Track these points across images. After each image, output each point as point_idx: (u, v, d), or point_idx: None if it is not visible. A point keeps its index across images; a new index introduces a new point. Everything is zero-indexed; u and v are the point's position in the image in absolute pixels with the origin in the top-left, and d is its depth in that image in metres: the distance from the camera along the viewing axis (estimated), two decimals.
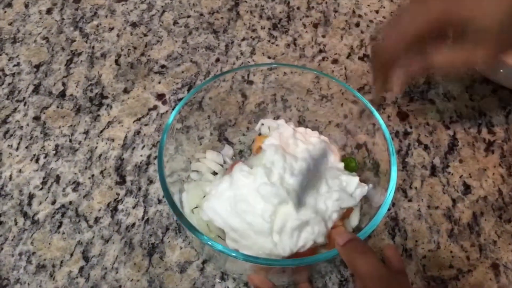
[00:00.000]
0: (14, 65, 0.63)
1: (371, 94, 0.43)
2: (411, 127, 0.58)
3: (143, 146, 0.57)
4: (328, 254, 0.40)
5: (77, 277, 0.48)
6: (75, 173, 0.54)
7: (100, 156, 0.56)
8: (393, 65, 0.40)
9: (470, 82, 0.62)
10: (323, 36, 0.67)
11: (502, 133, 0.58)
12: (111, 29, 0.67)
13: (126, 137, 0.57)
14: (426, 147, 0.57)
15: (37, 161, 0.55)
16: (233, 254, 0.40)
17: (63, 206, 0.52)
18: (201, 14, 0.69)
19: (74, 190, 0.53)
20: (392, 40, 0.39)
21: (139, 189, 0.53)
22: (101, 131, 0.58)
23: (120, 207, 0.52)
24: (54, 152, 0.56)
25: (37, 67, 0.63)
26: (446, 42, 0.38)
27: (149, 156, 0.56)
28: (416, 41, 0.38)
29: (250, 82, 0.54)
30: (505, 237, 0.51)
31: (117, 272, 0.48)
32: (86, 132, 0.58)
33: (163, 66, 0.64)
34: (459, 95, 0.61)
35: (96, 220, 0.51)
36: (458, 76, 0.61)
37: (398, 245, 0.50)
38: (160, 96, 0.61)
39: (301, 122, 0.56)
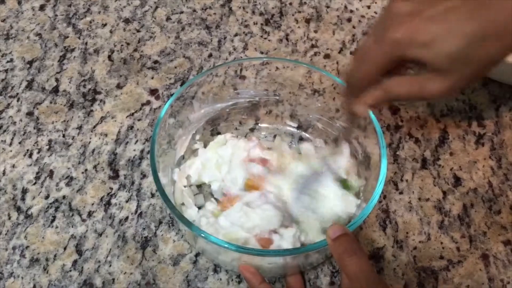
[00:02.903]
0: (7, 61, 0.64)
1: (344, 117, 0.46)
2: (402, 121, 0.59)
3: (136, 141, 0.57)
4: (319, 244, 0.40)
5: (70, 271, 0.48)
6: (69, 168, 0.55)
7: (93, 151, 0.56)
8: (360, 93, 0.41)
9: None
10: (315, 31, 0.67)
11: (492, 126, 0.59)
12: (104, 25, 0.68)
13: (119, 132, 0.58)
14: (417, 140, 0.57)
15: (30, 156, 0.56)
16: (225, 246, 0.40)
17: (56, 200, 0.52)
18: (194, 10, 0.69)
19: (68, 184, 0.54)
20: (359, 74, 0.40)
21: (132, 183, 0.54)
22: (94, 126, 0.58)
23: (113, 201, 0.52)
24: (47, 147, 0.56)
25: (30, 63, 0.63)
26: (406, 72, 0.40)
27: (142, 151, 0.56)
28: (379, 74, 0.39)
29: (243, 77, 0.54)
30: (494, 228, 0.52)
31: (110, 265, 0.49)
32: (79, 127, 0.58)
33: (156, 62, 0.64)
34: None
35: (90, 214, 0.52)
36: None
37: (389, 237, 0.51)
38: (153, 92, 0.61)
39: (293, 116, 0.57)
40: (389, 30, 0.37)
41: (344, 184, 0.49)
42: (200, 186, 0.52)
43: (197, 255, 0.49)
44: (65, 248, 0.50)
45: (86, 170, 0.55)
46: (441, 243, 0.51)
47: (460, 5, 0.36)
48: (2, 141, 0.57)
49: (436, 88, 0.38)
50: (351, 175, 0.50)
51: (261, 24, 0.68)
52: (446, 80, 0.38)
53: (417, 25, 0.36)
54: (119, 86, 0.61)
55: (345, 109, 0.44)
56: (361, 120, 0.48)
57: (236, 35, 0.67)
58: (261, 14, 0.69)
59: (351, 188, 0.49)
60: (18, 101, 0.60)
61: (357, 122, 0.47)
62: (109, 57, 0.64)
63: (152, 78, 0.62)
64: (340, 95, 0.44)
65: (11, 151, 0.56)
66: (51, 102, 0.60)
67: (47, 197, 0.53)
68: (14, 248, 0.49)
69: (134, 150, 0.56)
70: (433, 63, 0.37)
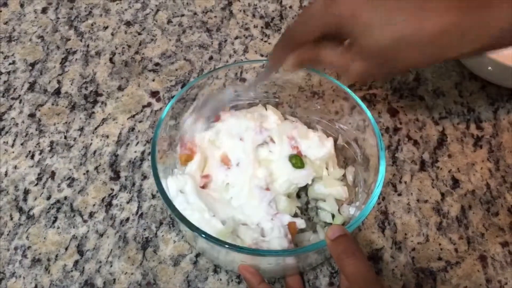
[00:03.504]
0: (10, 63, 0.64)
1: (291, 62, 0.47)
2: (401, 123, 0.59)
3: (137, 143, 0.57)
4: (318, 245, 0.41)
5: (71, 271, 0.49)
6: (70, 169, 0.55)
7: (94, 152, 0.57)
8: (293, 49, 0.43)
9: (459, 78, 0.63)
10: None
11: (490, 129, 0.59)
12: (106, 27, 0.68)
13: (120, 133, 0.58)
14: (415, 143, 0.58)
15: (32, 157, 0.56)
16: (226, 246, 0.41)
17: (58, 201, 0.53)
18: (195, 13, 0.70)
19: (69, 185, 0.54)
20: (300, 31, 0.42)
21: (133, 184, 0.54)
22: (96, 128, 0.58)
23: (114, 202, 0.53)
24: (49, 148, 0.57)
25: (32, 65, 0.64)
26: (340, 44, 0.42)
27: (143, 152, 0.57)
28: (315, 37, 0.41)
29: (243, 80, 0.55)
30: (492, 229, 0.52)
31: (111, 266, 0.49)
32: (81, 129, 0.58)
33: (157, 64, 0.64)
34: (448, 92, 0.62)
35: (91, 215, 0.52)
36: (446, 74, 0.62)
37: (388, 238, 0.51)
38: (154, 94, 0.62)
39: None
40: (339, 1, 0.39)
41: (294, 159, 0.51)
42: None
43: (197, 255, 0.50)
44: (66, 249, 0.50)
45: (87, 171, 0.55)
46: (439, 244, 0.51)
47: (407, 5, 0.38)
48: (4, 142, 0.57)
49: (356, 69, 0.41)
50: (330, 166, 0.52)
51: (262, 27, 0.69)
52: (367, 66, 0.41)
53: (364, 7, 0.39)
54: (120, 88, 0.62)
55: (272, 57, 0.46)
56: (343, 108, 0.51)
57: (236, 38, 0.67)
58: (261, 17, 0.70)
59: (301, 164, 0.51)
60: (20, 102, 0.60)
61: (274, 71, 0.48)
62: (111, 59, 0.65)
63: (153, 80, 0.63)
64: (275, 45, 0.46)
65: (13, 152, 0.56)
66: (53, 104, 0.60)
67: (48, 198, 0.53)
68: (16, 248, 0.50)
69: (135, 151, 0.57)
70: (363, 47, 0.39)
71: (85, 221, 0.52)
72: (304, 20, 0.42)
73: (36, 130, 0.58)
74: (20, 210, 0.52)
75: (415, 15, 0.38)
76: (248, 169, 0.49)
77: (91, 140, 0.57)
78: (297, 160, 0.50)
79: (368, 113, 0.48)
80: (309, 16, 0.41)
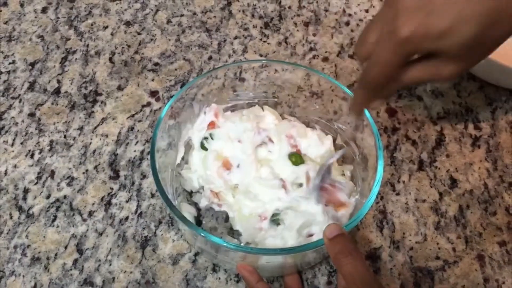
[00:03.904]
0: (10, 63, 0.64)
1: (349, 102, 0.48)
2: (399, 123, 0.60)
3: (137, 142, 0.58)
4: (316, 243, 0.41)
5: (71, 269, 0.49)
6: (70, 168, 0.55)
7: (94, 151, 0.57)
8: (376, 92, 0.42)
9: (457, 79, 0.64)
10: (314, 35, 0.68)
11: (488, 129, 0.59)
12: (106, 27, 0.68)
13: (119, 133, 0.58)
14: (414, 143, 0.58)
15: (32, 156, 0.56)
16: (224, 244, 0.41)
17: (57, 200, 0.53)
18: (194, 13, 0.70)
19: (69, 184, 0.54)
20: (378, 74, 0.40)
21: (133, 183, 0.54)
22: (95, 127, 0.59)
23: (113, 201, 0.53)
24: (48, 147, 0.57)
25: (32, 64, 0.64)
26: (412, 59, 0.40)
27: (142, 152, 0.57)
28: (393, 73, 0.40)
29: (242, 79, 0.55)
30: (490, 229, 0.52)
31: (110, 264, 0.49)
32: (81, 128, 0.59)
33: (156, 64, 0.65)
34: (446, 92, 0.62)
35: (90, 213, 0.52)
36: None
37: (386, 237, 0.51)
38: (154, 93, 0.62)
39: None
40: (399, 26, 0.36)
41: (294, 158, 0.50)
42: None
43: (196, 254, 0.50)
44: (65, 247, 0.50)
45: (87, 170, 0.55)
46: (437, 243, 0.51)
47: None
48: (4, 141, 0.57)
49: (450, 72, 0.39)
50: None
51: (261, 27, 0.69)
52: (460, 64, 0.38)
53: (428, 17, 0.36)
54: (120, 88, 0.62)
55: (355, 106, 0.45)
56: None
57: (235, 38, 0.68)
58: (260, 17, 0.70)
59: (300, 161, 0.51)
60: (20, 102, 0.61)
61: (362, 117, 0.47)
62: (110, 59, 0.65)
63: (153, 80, 0.63)
64: (355, 93, 0.45)
65: (13, 151, 0.57)
66: (52, 103, 0.61)
67: (48, 197, 0.53)
68: (15, 247, 0.50)
69: (135, 151, 0.57)
70: (449, 52, 0.37)
71: (84, 220, 0.52)
72: (373, 64, 0.40)
73: (35, 129, 0.58)
74: (20, 209, 0.53)
75: None
76: (250, 170, 0.50)
77: (91, 139, 0.58)
78: (297, 158, 0.50)
79: (367, 113, 0.48)
80: (376, 58, 0.39)
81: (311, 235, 0.46)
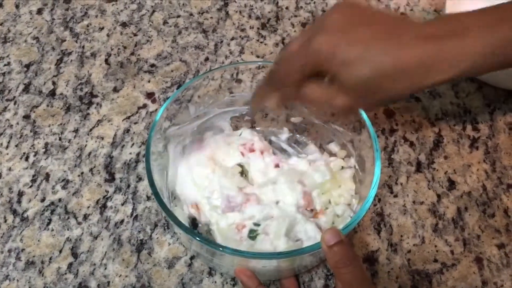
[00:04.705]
0: (5, 65, 0.64)
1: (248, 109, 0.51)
2: (397, 124, 0.59)
3: (133, 144, 0.57)
4: (313, 247, 0.40)
5: (66, 273, 0.48)
6: (65, 171, 0.55)
7: (89, 154, 0.56)
8: (276, 90, 0.44)
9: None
10: None
11: (487, 130, 0.59)
12: (101, 29, 0.68)
13: (115, 135, 0.58)
14: (411, 144, 0.58)
15: (26, 159, 0.56)
16: (220, 249, 0.40)
17: (52, 203, 0.53)
18: (191, 14, 0.70)
19: (64, 187, 0.54)
20: (281, 75, 0.43)
21: (128, 186, 0.54)
22: (91, 130, 0.58)
23: (109, 204, 0.53)
24: (43, 150, 0.56)
25: (27, 66, 0.64)
26: (321, 80, 0.42)
27: (138, 154, 0.56)
28: (298, 78, 0.42)
29: (239, 81, 0.55)
30: (488, 231, 0.52)
31: (105, 268, 0.49)
32: (76, 131, 0.58)
33: (152, 65, 0.64)
34: (444, 93, 0.62)
35: (85, 217, 0.52)
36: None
37: (384, 240, 0.51)
38: (150, 95, 0.61)
39: (288, 120, 0.57)
40: (316, 40, 0.39)
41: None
42: None
43: (192, 258, 0.50)
44: (60, 251, 0.50)
45: (82, 173, 0.55)
46: (435, 246, 0.51)
47: (383, 37, 0.39)
48: None
49: (341, 103, 0.41)
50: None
51: (258, 28, 0.69)
52: (350, 100, 0.41)
53: (341, 43, 0.39)
54: (115, 90, 0.62)
55: (255, 99, 0.47)
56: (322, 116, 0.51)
57: (232, 39, 0.67)
58: (257, 18, 0.70)
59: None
60: (15, 104, 0.60)
61: (257, 111, 0.49)
62: (106, 60, 0.65)
63: (149, 81, 0.63)
64: (257, 87, 0.47)
65: (7, 154, 0.56)
66: (47, 105, 0.60)
67: (43, 200, 0.53)
68: (9, 251, 0.50)
69: (130, 153, 0.56)
70: (344, 82, 0.40)
71: (79, 223, 0.51)
72: (283, 63, 0.43)
73: (30, 131, 0.58)
74: (14, 212, 0.52)
75: (393, 47, 0.39)
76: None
77: (86, 141, 0.57)
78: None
79: (364, 115, 0.48)
80: (287, 59, 0.42)
81: (298, 240, 0.46)
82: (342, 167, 0.52)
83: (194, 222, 0.51)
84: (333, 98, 0.41)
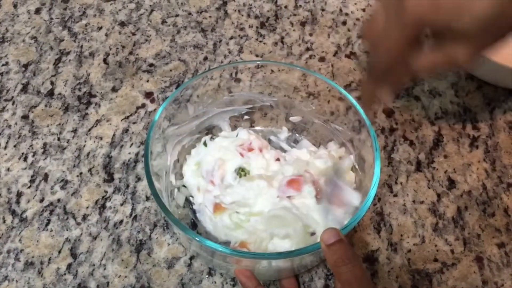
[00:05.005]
0: (3, 65, 0.64)
1: (359, 95, 0.46)
2: (396, 124, 0.59)
3: (131, 144, 0.57)
4: (313, 247, 0.40)
5: (65, 274, 0.48)
6: (63, 171, 0.55)
7: (88, 154, 0.56)
8: (384, 79, 0.40)
9: (455, 78, 0.63)
10: (310, 35, 0.68)
11: (487, 129, 0.59)
12: (100, 28, 0.68)
13: (114, 135, 0.58)
14: (411, 143, 0.58)
15: (25, 159, 0.56)
16: (219, 249, 0.40)
17: (51, 203, 0.52)
18: (189, 13, 0.70)
19: (62, 188, 0.54)
20: (381, 57, 0.38)
21: (127, 186, 0.54)
22: (89, 130, 0.58)
23: (108, 204, 0.52)
24: (42, 150, 0.56)
25: (26, 66, 0.63)
26: (423, 45, 0.38)
27: (137, 154, 0.56)
28: (400, 54, 0.37)
29: (238, 80, 0.54)
30: (488, 230, 0.52)
31: (105, 269, 0.49)
32: (75, 131, 0.58)
33: (151, 65, 0.64)
34: (444, 92, 0.62)
35: (84, 217, 0.52)
36: (443, 73, 0.62)
37: (384, 239, 0.51)
38: (148, 95, 0.61)
39: (288, 119, 0.57)
40: (407, 5, 0.34)
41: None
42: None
43: (191, 258, 0.49)
44: (59, 252, 0.50)
45: (81, 173, 0.55)
46: (435, 245, 0.51)
47: None
48: None
49: (464, 54, 0.36)
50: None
51: (257, 27, 0.68)
52: (472, 46, 0.36)
53: None
54: (114, 89, 0.61)
55: (365, 99, 0.43)
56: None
57: (231, 38, 0.67)
58: (256, 17, 0.69)
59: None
60: (13, 104, 0.60)
61: (372, 111, 0.45)
62: (105, 60, 0.64)
63: (148, 81, 0.62)
64: (363, 86, 0.43)
65: (6, 154, 0.56)
66: (46, 105, 0.60)
67: (42, 200, 0.53)
68: (8, 251, 0.49)
69: (129, 153, 0.56)
70: (462, 30, 0.34)
71: (78, 224, 0.51)
72: (378, 44, 0.38)
73: (29, 132, 0.58)
74: (13, 213, 0.52)
75: None
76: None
77: (85, 141, 0.57)
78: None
79: (363, 114, 0.47)
80: (380, 38, 0.37)
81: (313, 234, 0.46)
82: (340, 158, 0.52)
83: (193, 223, 0.51)
84: (452, 53, 0.36)
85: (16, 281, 0.48)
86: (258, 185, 0.48)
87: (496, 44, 0.38)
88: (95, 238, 0.50)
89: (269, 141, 0.56)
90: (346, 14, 0.70)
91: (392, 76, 0.39)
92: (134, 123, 0.59)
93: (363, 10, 0.71)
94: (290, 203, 0.47)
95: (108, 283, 0.48)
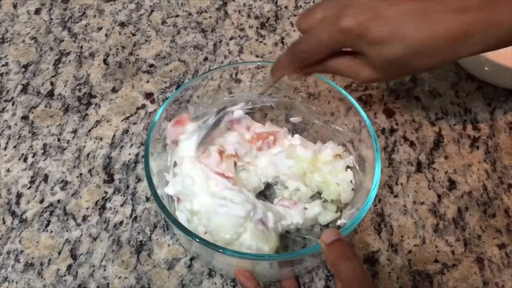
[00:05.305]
0: (3, 65, 0.64)
1: (280, 65, 0.48)
2: (397, 124, 0.59)
3: (131, 145, 0.57)
4: (313, 249, 0.40)
5: (65, 275, 0.48)
6: (63, 172, 0.55)
7: (88, 155, 0.56)
8: (299, 62, 0.44)
9: (455, 79, 0.63)
10: None
11: (487, 130, 0.59)
12: (100, 28, 0.68)
13: (114, 136, 0.58)
14: (412, 144, 0.58)
15: (25, 160, 0.55)
16: (220, 250, 0.40)
17: (51, 204, 0.52)
18: (190, 14, 0.69)
19: (62, 188, 0.53)
20: (308, 48, 0.43)
21: (127, 187, 0.54)
22: (89, 130, 0.58)
23: (108, 205, 0.52)
24: (42, 151, 0.56)
25: (26, 67, 0.63)
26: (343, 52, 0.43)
27: (137, 155, 0.56)
28: (321, 53, 0.42)
29: (238, 81, 0.54)
30: (489, 231, 0.52)
31: (105, 270, 0.49)
32: (75, 131, 0.58)
33: (151, 65, 0.64)
34: (444, 92, 0.62)
35: (84, 218, 0.52)
36: (443, 73, 0.63)
37: (384, 240, 0.51)
38: (149, 95, 0.61)
39: (288, 120, 0.57)
40: (344, 18, 0.39)
41: None
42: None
43: (192, 259, 0.49)
44: (59, 253, 0.49)
45: (81, 174, 0.55)
46: (436, 246, 0.51)
47: (414, 13, 0.39)
48: None
49: (367, 76, 0.42)
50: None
51: (257, 27, 0.68)
52: (379, 73, 0.41)
53: (372, 21, 0.39)
54: (114, 90, 0.61)
55: (276, 71, 0.47)
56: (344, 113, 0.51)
57: (231, 38, 0.67)
58: (256, 17, 0.69)
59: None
60: (13, 105, 0.60)
61: (276, 82, 0.49)
62: (105, 60, 0.64)
63: (148, 81, 0.62)
64: (279, 60, 0.46)
65: (5, 155, 0.56)
66: (46, 106, 0.60)
67: (41, 201, 0.53)
68: (8, 252, 0.49)
69: (129, 154, 0.56)
70: (373, 59, 0.40)
71: (78, 225, 0.51)
72: (308, 39, 0.42)
73: (29, 132, 0.58)
74: (13, 214, 0.52)
75: (426, 22, 0.38)
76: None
77: (85, 142, 0.57)
78: None
79: (364, 114, 0.47)
80: (313, 36, 0.41)
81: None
82: (339, 157, 0.52)
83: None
84: (359, 70, 0.42)
85: (16, 282, 0.48)
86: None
87: (396, 79, 0.45)
88: (95, 239, 0.50)
89: None
90: None
91: (306, 67, 0.44)
92: (134, 123, 0.59)
93: None
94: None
95: (108, 284, 0.48)
